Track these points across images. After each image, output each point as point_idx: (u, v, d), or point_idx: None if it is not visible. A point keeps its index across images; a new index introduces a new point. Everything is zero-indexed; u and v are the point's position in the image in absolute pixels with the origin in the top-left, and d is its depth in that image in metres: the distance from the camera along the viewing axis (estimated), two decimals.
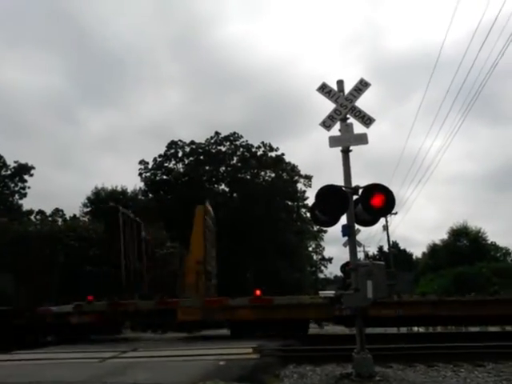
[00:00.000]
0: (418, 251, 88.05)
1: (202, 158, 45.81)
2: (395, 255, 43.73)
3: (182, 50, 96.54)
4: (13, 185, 42.27)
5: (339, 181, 6.43)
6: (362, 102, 6.79)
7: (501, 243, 47.89)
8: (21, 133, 76.31)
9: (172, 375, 5.56)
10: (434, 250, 48.39)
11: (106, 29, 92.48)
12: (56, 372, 6.13)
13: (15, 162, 42.19)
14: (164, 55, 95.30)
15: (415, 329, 13.73)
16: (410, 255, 63.06)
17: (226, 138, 46.56)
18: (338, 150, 6.60)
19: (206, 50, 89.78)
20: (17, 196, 42.51)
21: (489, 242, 46.36)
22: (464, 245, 44.71)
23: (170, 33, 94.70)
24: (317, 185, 43.69)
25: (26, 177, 42.49)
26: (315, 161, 77.41)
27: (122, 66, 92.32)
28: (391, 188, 6.25)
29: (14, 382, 5.30)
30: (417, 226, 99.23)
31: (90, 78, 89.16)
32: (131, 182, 48.60)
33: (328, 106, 6.85)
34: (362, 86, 6.89)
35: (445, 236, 47.31)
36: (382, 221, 34.64)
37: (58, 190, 74.91)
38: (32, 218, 41.14)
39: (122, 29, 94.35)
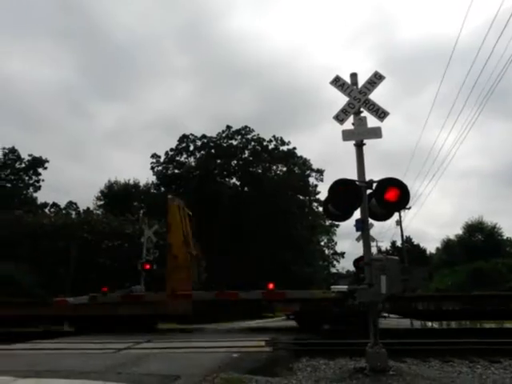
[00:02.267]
0: (431, 246, 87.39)
1: (213, 151, 45.82)
2: (408, 250, 43.36)
3: (191, 43, 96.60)
4: (27, 178, 42.85)
5: (352, 174, 6.36)
6: (374, 95, 6.70)
7: None
8: (33, 126, 77.60)
9: (186, 367, 5.59)
10: (448, 245, 47.87)
11: (114, 21, 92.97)
12: (70, 362, 6.21)
13: (29, 155, 42.74)
14: (173, 48, 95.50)
15: (429, 324, 13.62)
16: (424, 250, 62.46)
17: (238, 132, 46.48)
18: (351, 144, 6.52)
19: (215, 42, 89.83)
20: (31, 189, 43.11)
21: (504, 237, 45.70)
22: (479, 240, 44.13)
23: (178, 25, 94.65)
24: (329, 179, 43.47)
25: (40, 170, 43.02)
26: (327, 154, 77.07)
27: (131, 58, 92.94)
28: (405, 182, 6.16)
29: (23, 370, 5.36)
30: (430, 221, 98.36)
31: (100, 70, 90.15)
32: (143, 175, 49.07)
33: (340, 99, 6.76)
34: (376, 79, 6.76)
35: (459, 231, 46.84)
36: (396, 215, 34.28)
37: (71, 183, 76.10)
38: (46, 210, 41.78)
39: (130, 21, 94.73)
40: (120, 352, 7.51)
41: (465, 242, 44.27)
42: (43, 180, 43.44)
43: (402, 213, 36.52)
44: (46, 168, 43.33)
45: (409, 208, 35.38)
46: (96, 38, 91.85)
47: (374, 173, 6.20)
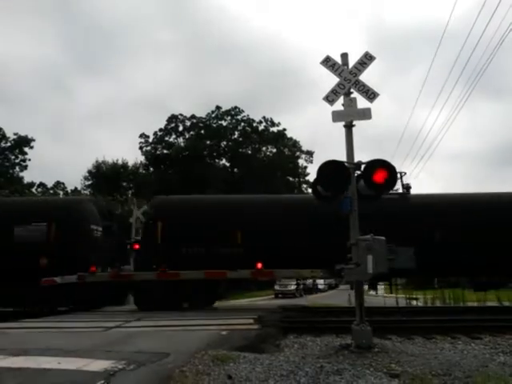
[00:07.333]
0: None
1: (202, 132, 45.42)
2: None
3: (178, 20, 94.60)
4: (13, 157, 42.10)
5: (341, 155, 6.37)
6: (363, 76, 6.66)
7: None
8: (16, 105, 75.78)
9: (175, 344, 5.66)
10: None
11: None
12: (59, 340, 6.23)
13: (15, 134, 41.90)
14: (159, 25, 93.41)
15: (414, 303, 13.96)
16: None
17: (227, 113, 46.03)
18: (340, 125, 6.50)
19: (203, 19, 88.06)
20: (17, 168, 42.41)
21: None
22: None
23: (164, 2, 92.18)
24: (318, 160, 43.49)
25: (26, 149, 42.24)
26: (316, 135, 76.99)
27: (115, 34, 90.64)
28: (393, 164, 6.18)
29: (11, 348, 5.36)
30: None
31: (84, 47, 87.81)
32: (131, 155, 48.48)
33: (329, 81, 6.70)
34: (366, 60, 6.70)
35: None
36: None
37: (58, 162, 75.03)
38: (33, 190, 41.27)
39: None
40: (109, 330, 7.56)
41: None
42: (29, 159, 42.77)
43: None
44: (32, 147, 42.60)
45: (396, 189, 35.72)
46: (78, 14, 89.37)
47: (363, 153, 6.23)
